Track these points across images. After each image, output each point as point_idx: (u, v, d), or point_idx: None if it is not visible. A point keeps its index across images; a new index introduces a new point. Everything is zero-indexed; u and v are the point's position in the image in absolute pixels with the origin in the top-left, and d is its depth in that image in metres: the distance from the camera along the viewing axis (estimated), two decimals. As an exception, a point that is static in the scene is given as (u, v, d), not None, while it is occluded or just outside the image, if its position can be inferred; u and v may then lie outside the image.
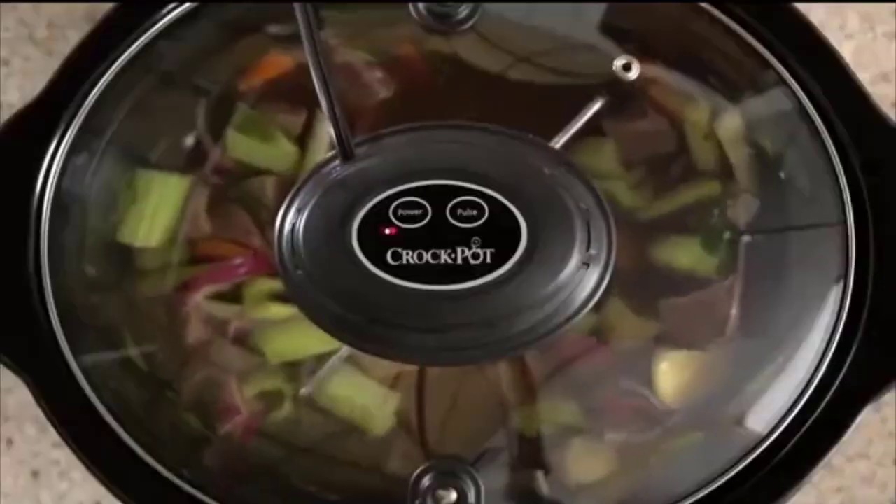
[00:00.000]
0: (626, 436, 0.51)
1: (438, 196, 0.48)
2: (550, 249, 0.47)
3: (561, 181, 0.48)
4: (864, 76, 0.57)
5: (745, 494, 0.51)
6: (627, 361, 0.51)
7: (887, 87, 0.64)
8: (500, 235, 0.47)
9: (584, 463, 0.51)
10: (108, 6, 0.56)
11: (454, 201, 0.48)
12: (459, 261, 0.47)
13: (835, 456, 0.51)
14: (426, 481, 0.50)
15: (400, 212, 0.47)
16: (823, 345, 0.52)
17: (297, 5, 0.45)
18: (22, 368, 0.52)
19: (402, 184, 0.47)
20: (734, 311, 0.51)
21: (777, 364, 0.52)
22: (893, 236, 0.53)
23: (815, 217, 0.53)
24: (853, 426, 0.51)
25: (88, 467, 0.52)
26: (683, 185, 0.52)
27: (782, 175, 0.53)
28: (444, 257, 0.47)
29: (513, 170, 0.48)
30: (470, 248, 0.47)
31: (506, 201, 0.47)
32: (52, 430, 0.52)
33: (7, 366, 0.53)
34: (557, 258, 0.47)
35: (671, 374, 0.51)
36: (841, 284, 0.52)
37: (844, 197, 0.53)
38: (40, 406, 0.52)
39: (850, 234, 0.53)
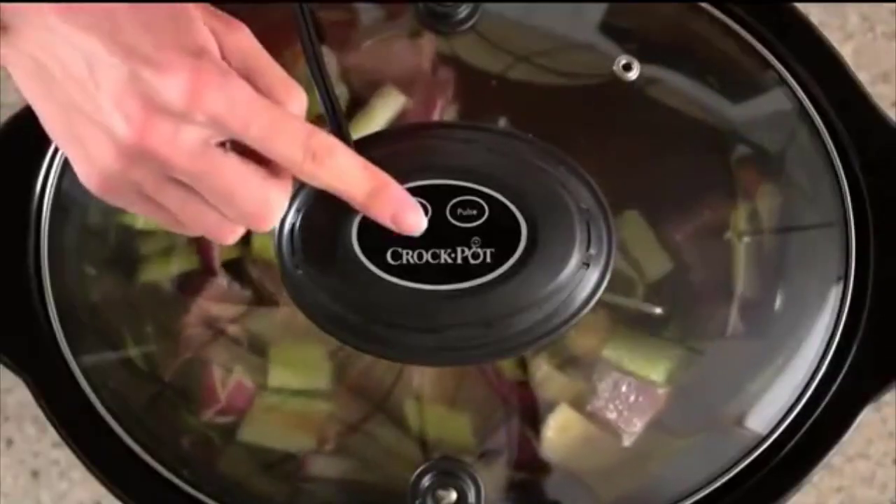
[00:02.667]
0: (508, 471, 0.51)
1: (438, 195, 0.48)
2: (550, 249, 0.47)
3: (561, 181, 0.48)
4: (864, 76, 0.57)
5: (745, 494, 0.51)
6: (533, 406, 0.51)
7: (887, 87, 0.64)
8: (499, 235, 0.47)
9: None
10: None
11: (454, 201, 0.48)
12: (459, 260, 0.47)
13: (835, 456, 0.51)
14: (426, 481, 0.50)
15: None
16: (823, 345, 0.52)
17: (295, 6, 0.45)
18: (22, 368, 0.52)
19: (402, 183, 0.47)
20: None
21: (777, 364, 0.52)
22: (893, 236, 0.53)
23: (815, 217, 0.53)
24: (853, 426, 0.51)
25: (88, 467, 0.52)
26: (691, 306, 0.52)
27: (782, 175, 0.53)
28: (444, 257, 0.47)
29: (513, 169, 0.48)
30: (470, 248, 0.47)
31: (506, 201, 0.47)
32: (52, 430, 0.52)
33: (7, 366, 0.53)
34: (557, 258, 0.47)
35: (560, 432, 0.51)
36: (841, 284, 0.52)
37: (844, 197, 0.53)
38: (40, 406, 0.52)
39: (850, 234, 0.53)
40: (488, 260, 0.47)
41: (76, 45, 0.40)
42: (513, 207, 0.47)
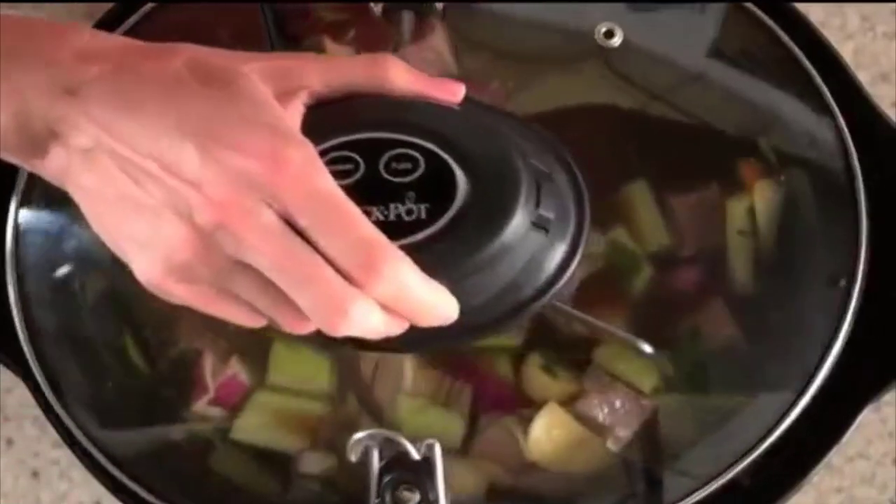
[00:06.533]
0: (495, 469, 0.51)
1: (371, 149, 0.44)
2: (490, 204, 0.44)
3: (514, 141, 0.45)
4: (864, 76, 0.57)
5: (745, 495, 0.51)
6: (524, 406, 0.51)
7: (887, 87, 0.64)
8: (436, 190, 0.44)
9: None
10: (108, 6, 0.56)
11: (388, 154, 0.45)
12: (392, 217, 0.44)
13: (835, 456, 0.51)
14: (388, 478, 0.49)
15: (330, 167, 0.43)
16: (823, 345, 0.52)
17: (262, 6, 0.44)
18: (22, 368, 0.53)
19: (333, 137, 0.44)
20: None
21: (777, 364, 0.52)
22: (893, 236, 0.53)
23: (814, 217, 0.53)
24: (853, 426, 0.51)
25: (88, 467, 0.52)
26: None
27: (782, 176, 0.53)
28: (377, 214, 0.44)
29: (455, 125, 0.45)
30: (404, 204, 0.44)
31: (444, 154, 0.44)
32: (52, 430, 0.52)
33: (7, 366, 0.53)
34: (498, 213, 0.44)
35: (545, 432, 0.50)
36: (841, 284, 0.52)
37: (844, 197, 0.53)
38: (40, 406, 0.52)
39: (849, 233, 0.53)
40: (423, 216, 0.44)
41: (142, 134, 0.40)
42: (451, 161, 0.44)
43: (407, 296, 0.42)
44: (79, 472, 0.61)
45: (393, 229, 0.42)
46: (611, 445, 0.50)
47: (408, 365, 0.51)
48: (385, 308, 0.42)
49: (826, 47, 0.54)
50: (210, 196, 0.40)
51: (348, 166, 0.44)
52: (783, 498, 0.51)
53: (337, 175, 0.42)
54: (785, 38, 0.55)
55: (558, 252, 0.46)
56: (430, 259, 0.42)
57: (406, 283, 0.41)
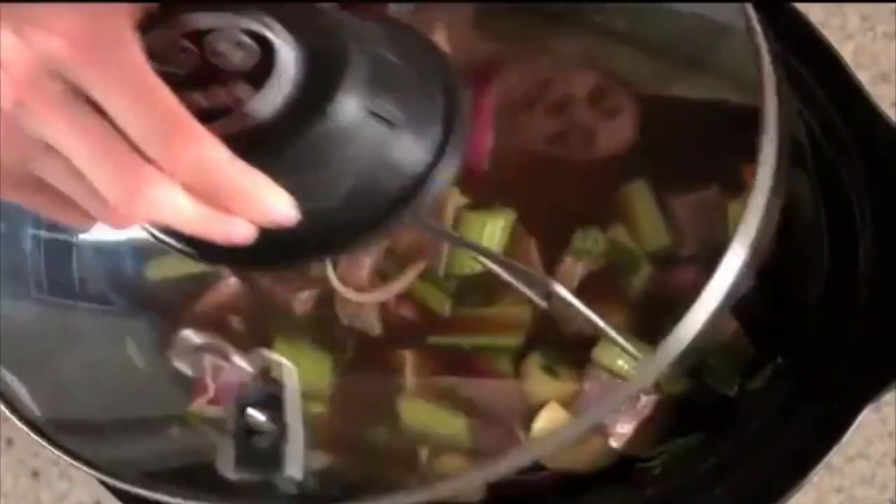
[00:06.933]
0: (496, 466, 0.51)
1: (199, 34, 0.41)
2: (317, 87, 0.40)
3: (357, 30, 0.42)
4: (864, 76, 0.57)
5: (745, 494, 0.51)
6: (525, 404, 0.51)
7: (887, 87, 0.64)
8: (264, 75, 0.40)
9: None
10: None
11: (216, 38, 0.41)
12: (217, 104, 0.40)
13: (835, 456, 0.51)
14: (247, 399, 0.48)
15: (153, 50, 0.40)
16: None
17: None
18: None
19: (159, 22, 0.41)
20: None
21: (775, 363, 0.52)
22: (893, 236, 0.53)
23: (814, 216, 0.53)
24: (853, 426, 0.51)
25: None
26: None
27: (781, 174, 0.53)
28: (200, 100, 0.40)
29: (293, 10, 0.41)
30: (229, 89, 0.40)
31: (275, 39, 0.41)
32: (51, 429, 0.53)
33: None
34: (323, 95, 0.40)
35: (548, 430, 0.50)
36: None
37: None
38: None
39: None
40: (251, 102, 0.40)
41: None
42: (282, 46, 0.41)
43: (214, 175, 0.38)
44: (79, 472, 0.61)
45: (217, 116, 0.40)
46: (612, 443, 0.50)
47: (408, 364, 0.51)
48: (194, 193, 0.39)
49: (826, 47, 0.54)
50: (13, 75, 0.38)
51: (172, 52, 0.41)
52: (783, 498, 0.51)
53: (158, 59, 0.40)
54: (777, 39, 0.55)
55: (418, 156, 0.42)
56: (256, 146, 0.39)
57: (210, 160, 0.38)
